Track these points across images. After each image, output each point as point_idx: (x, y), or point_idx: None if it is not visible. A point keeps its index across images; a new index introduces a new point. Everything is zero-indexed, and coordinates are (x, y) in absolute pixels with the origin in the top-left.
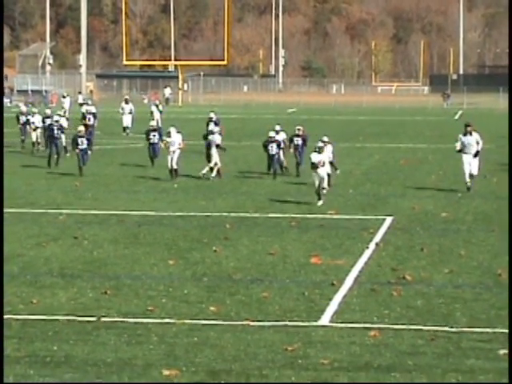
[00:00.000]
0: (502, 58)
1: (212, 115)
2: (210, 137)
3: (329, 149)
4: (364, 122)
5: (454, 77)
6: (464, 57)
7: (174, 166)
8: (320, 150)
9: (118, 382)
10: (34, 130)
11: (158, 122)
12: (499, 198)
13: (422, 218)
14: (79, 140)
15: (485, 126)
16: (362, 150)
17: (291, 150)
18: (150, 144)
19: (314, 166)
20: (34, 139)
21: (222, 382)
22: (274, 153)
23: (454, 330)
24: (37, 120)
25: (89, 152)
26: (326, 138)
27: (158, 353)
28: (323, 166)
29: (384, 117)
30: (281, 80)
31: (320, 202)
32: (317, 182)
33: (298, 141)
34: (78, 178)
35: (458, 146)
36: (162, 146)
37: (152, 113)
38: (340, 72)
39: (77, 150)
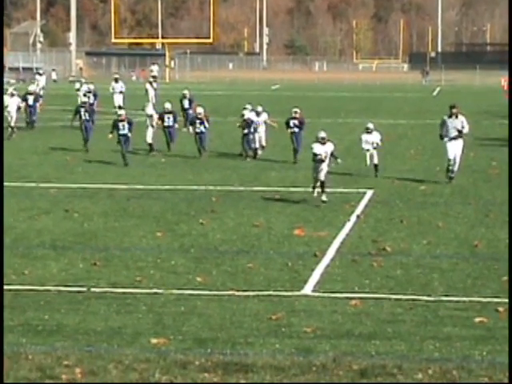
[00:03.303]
0: (478, 36)
1: (186, 92)
2: (258, 118)
3: (376, 136)
4: (345, 98)
5: (433, 54)
6: (442, 35)
7: (149, 141)
8: (323, 141)
9: (107, 350)
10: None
11: (152, 100)
12: (476, 172)
13: (402, 191)
14: (120, 125)
15: (462, 102)
16: (344, 126)
17: (289, 132)
18: (165, 127)
19: (318, 159)
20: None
21: (209, 349)
22: (245, 132)
23: (431, 298)
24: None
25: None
26: (371, 125)
27: (146, 322)
28: (325, 160)
29: (365, 93)
30: (265, 58)
31: (324, 197)
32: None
33: (296, 124)
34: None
35: (441, 130)
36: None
37: (147, 91)
38: (322, 50)
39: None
